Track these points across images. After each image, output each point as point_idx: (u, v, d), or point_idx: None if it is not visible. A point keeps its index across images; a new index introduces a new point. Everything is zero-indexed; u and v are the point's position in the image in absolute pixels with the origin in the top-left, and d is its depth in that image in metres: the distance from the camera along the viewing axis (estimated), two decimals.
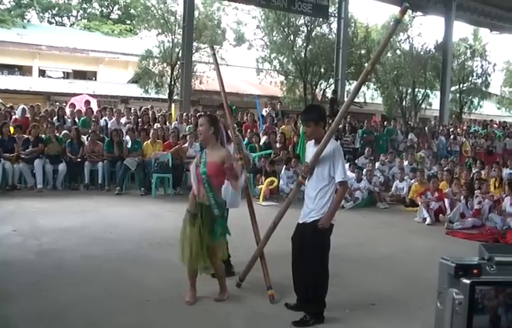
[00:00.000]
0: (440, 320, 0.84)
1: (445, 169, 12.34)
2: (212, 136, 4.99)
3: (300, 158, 11.61)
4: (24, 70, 28.27)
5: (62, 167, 11.35)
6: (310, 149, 4.71)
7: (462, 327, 0.82)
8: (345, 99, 19.30)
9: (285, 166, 11.82)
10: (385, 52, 24.41)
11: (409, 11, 24.03)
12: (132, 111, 15.10)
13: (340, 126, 14.32)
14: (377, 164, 13.39)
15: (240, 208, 5.58)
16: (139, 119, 14.24)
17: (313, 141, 4.68)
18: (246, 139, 12.68)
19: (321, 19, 23.72)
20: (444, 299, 0.84)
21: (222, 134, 5.38)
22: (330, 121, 8.17)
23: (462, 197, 10.23)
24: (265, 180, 11.57)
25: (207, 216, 4.84)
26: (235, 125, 6.33)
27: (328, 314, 4.67)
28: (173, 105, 20.17)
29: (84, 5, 39.38)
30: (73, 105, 15.18)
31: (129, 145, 12.00)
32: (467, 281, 0.83)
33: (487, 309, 0.82)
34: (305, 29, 24.80)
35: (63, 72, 29.08)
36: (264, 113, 17.07)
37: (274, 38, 25.71)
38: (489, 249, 0.88)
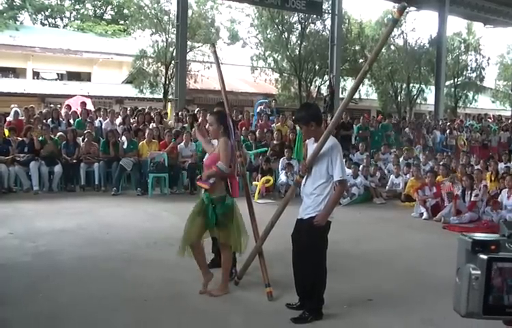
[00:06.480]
0: (458, 295, 0.85)
1: (441, 163, 12.35)
2: (223, 133, 5.02)
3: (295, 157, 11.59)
4: (18, 72, 28.13)
5: (58, 168, 11.29)
6: (310, 147, 4.67)
7: (478, 302, 0.82)
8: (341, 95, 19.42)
9: (286, 162, 11.73)
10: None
11: None
12: (128, 111, 15.06)
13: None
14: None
15: (238, 205, 5.56)
16: (133, 120, 14.20)
17: (313, 138, 4.63)
18: (241, 136, 12.65)
19: (314, 16, 23.75)
20: (461, 275, 0.84)
21: (231, 129, 5.23)
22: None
23: (460, 190, 10.23)
24: (261, 177, 11.55)
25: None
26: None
27: (326, 311, 4.67)
28: (168, 104, 20.12)
29: (77, 6, 39.20)
30: (68, 107, 15.11)
31: (125, 146, 11.98)
32: (485, 257, 0.83)
33: (505, 285, 0.82)
34: (299, 26, 24.83)
35: (57, 74, 28.92)
36: (259, 110, 17.00)
37: (268, 36, 25.70)
38: (510, 226, 0.87)
